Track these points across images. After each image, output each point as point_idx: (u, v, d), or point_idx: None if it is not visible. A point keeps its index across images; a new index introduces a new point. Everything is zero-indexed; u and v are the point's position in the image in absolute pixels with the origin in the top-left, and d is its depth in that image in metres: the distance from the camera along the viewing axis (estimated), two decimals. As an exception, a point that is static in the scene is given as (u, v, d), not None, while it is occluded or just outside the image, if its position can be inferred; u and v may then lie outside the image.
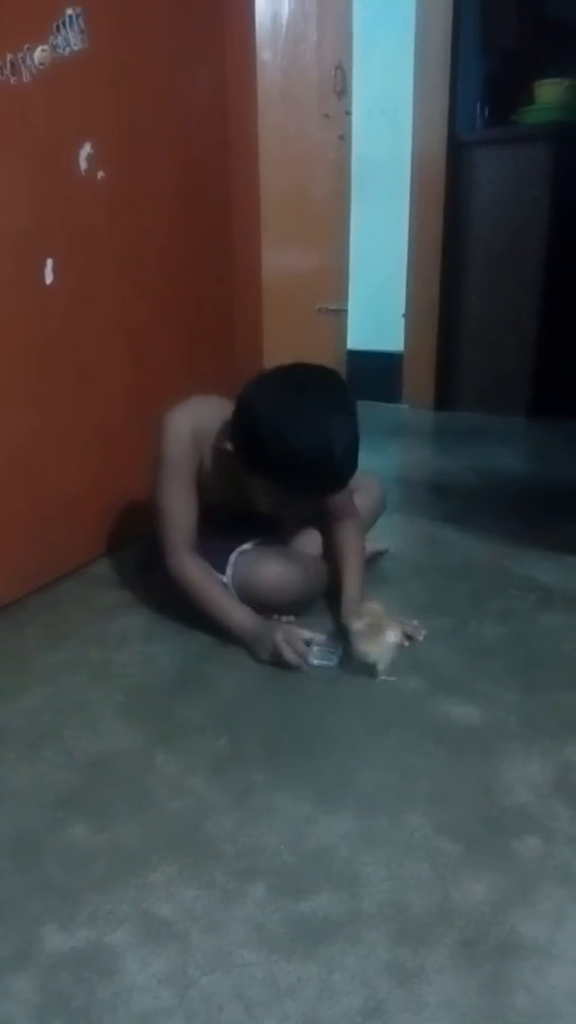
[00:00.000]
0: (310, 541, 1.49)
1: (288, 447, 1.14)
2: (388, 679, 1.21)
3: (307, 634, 1.27)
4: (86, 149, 1.51)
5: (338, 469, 1.18)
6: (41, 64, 1.38)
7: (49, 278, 1.47)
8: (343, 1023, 0.68)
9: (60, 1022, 0.69)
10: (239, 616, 1.30)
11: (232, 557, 1.34)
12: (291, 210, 3.32)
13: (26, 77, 1.35)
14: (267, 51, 3.22)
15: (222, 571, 1.34)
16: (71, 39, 1.43)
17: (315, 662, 1.25)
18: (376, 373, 3.15)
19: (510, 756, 1.04)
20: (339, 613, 1.35)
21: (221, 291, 2.06)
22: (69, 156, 1.49)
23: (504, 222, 2.93)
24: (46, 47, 1.38)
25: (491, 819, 0.93)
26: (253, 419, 1.18)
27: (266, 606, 1.33)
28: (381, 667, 1.21)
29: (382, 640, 1.20)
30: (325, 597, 1.44)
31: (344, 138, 3.22)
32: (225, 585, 1.33)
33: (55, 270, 1.47)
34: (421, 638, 1.33)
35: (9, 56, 1.32)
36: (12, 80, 1.33)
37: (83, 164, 1.51)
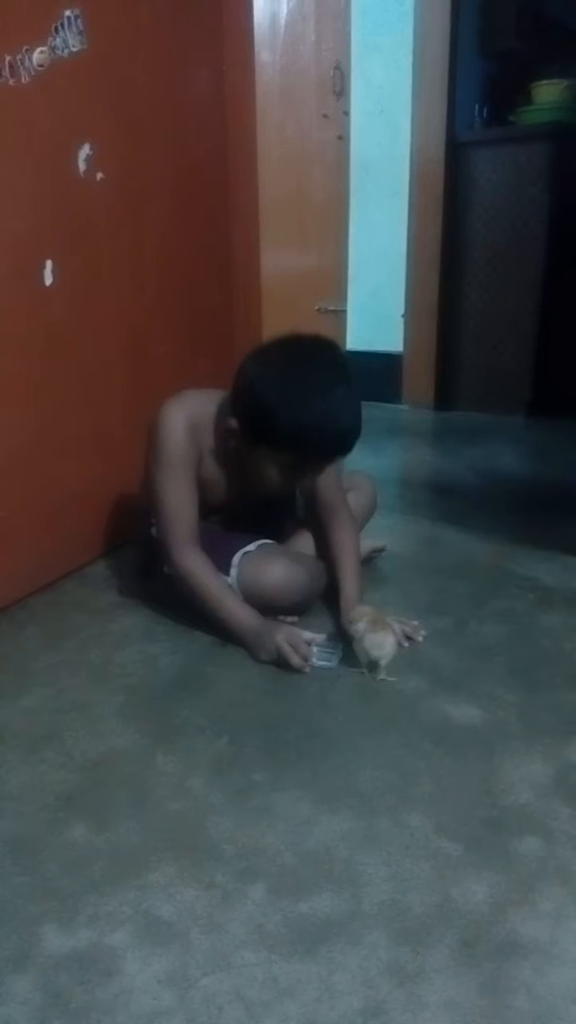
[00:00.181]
0: (308, 543, 1.49)
1: (295, 414, 1.16)
2: (388, 679, 1.21)
3: (307, 635, 1.27)
4: (85, 150, 1.51)
5: (344, 433, 1.21)
6: (40, 65, 1.38)
7: (48, 279, 1.47)
8: (343, 1023, 0.68)
9: (60, 1023, 0.69)
10: (242, 614, 1.30)
11: (235, 559, 1.34)
12: (290, 211, 3.33)
13: (25, 78, 1.35)
14: (266, 51, 3.23)
15: (226, 572, 1.34)
16: (70, 40, 1.43)
17: (315, 663, 1.25)
18: (376, 373, 3.15)
19: (510, 756, 1.04)
20: (338, 613, 1.35)
21: (220, 292, 2.06)
22: (68, 157, 1.49)
23: (503, 222, 2.93)
24: (45, 48, 1.38)
25: (491, 819, 0.93)
26: (258, 391, 1.20)
27: (270, 607, 1.33)
28: (383, 664, 1.21)
29: (383, 639, 1.20)
30: (323, 597, 1.44)
31: (343, 138, 3.22)
32: (230, 586, 1.33)
33: (54, 271, 1.47)
34: (421, 638, 1.33)
35: (8, 57, 1.32)
36: (11, 81, 1.33)
37: (82, 165, 1.51)
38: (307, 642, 1.25)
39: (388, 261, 3.17)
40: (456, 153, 2.95)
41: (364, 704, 1.17)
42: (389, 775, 1.00)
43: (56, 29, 1.40)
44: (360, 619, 1.21)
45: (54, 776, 1.01)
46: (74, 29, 1.44)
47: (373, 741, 1.08)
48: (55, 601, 1.53)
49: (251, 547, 1.36)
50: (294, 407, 1.17)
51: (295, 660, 1.22)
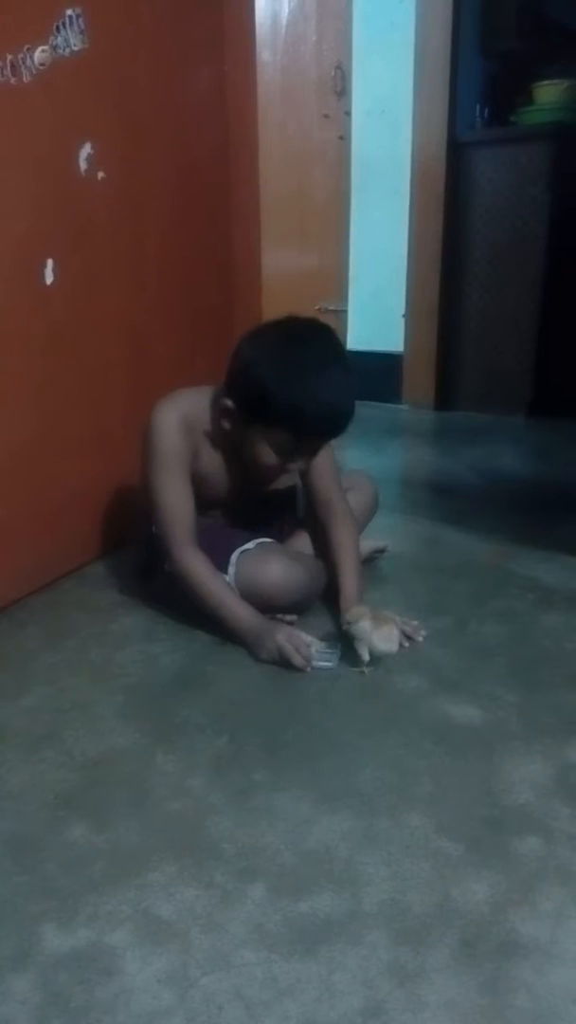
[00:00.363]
0: (308, 542, 1.49)
1: (290, 391, 1.19)
2: (371, 670, 1.22)
3: (306, 637, 1.27)
4: (86, 149, 1.51)
5: (338, 413, 1.23)
6: (41, 64, 1.38)
7: (49, 278, 1.47)
8: (343, 1023, 0.68)
9: (60, 1023, 0.69)
10: (242, 613, 1.30)
11: (234, 557, 1.34)
12: (291, 210, 3.34)
13: (26, 77, 1.35)
14: (267, 51, 3.23)
15: (224, 571, 1.34)
16: (71, 39, 1.43)
17: (315, 663, 1.25)
18: (376, 373, 3.15)
19: (511, 756, 1.04)
20: (337, 613, 1.35)
21: (221, 291, 2.06)
22: (69, 156, 1.49)
23: (504, 222, 2.93)
24: (46, 47, 1.38)
25: (492, 819, 0.93)
26: (254, 368, 1.23)
27: (269, 606, 1.33)
28: (388, 659, 1.21)
29: (390, 632, 1.21)
30: (322, 597, 1.44)
31: (344, 138, 3.22)
32: (228, 585, 1.33)
33: (55, 270, 1.47)
34: (421, 638, 1.33)
35: (9, 56, 1.32)
36: (12, 80, 1.33)
37: (83, 164, 1.51)
38: (307, 643, 1.25)
39: (389, 261, 3.17)
40: (457, 153, 2.95)
41: (364, 704, 1.17)
42: (389, 775, 1.00)
43: (57, 28, 1.40)
44: (361, 617, 1.21)
45: (54, 775, 1.01)
46: (75, 28, 1.44)
47: (373, 741, 1.08)
48: (55, 600, 1.53)
49: (250, 545, 1.36)
50: (290, 384, 1.19)
51: (297, 660, 1.22)
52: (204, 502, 1.38)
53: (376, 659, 1.22)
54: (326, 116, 3.26)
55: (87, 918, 0.79)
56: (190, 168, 1.86)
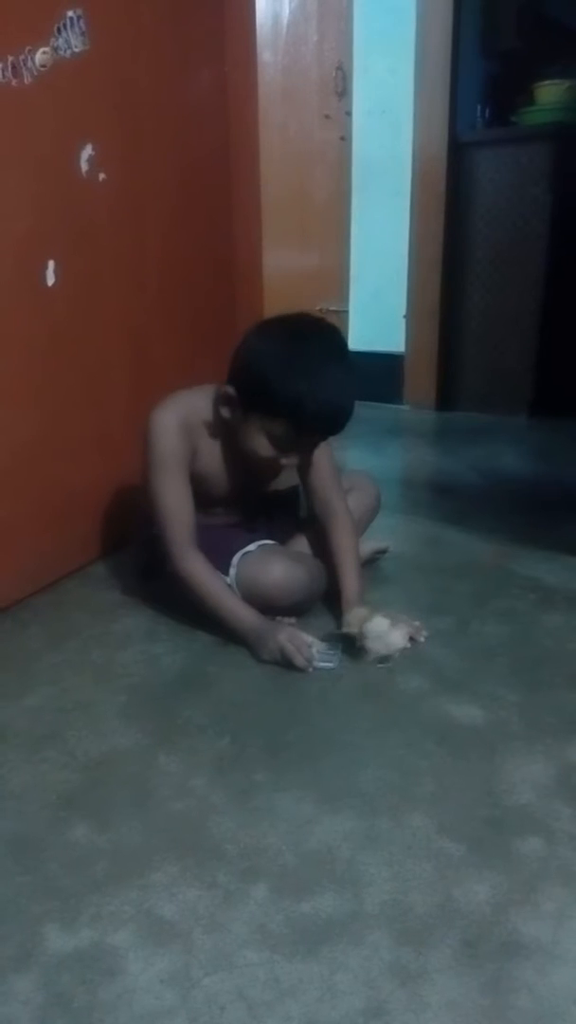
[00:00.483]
0: (307, 544, 1.49)
1: (292, 381, 1.20)
2: (389, 667, 1.23)
3: (307, 638, 1.27)
4: (87, 151, 1.51)
5: (338, 408, 1.24)
6: (42, 66, 1.38)
7: (51, 280, 1.47)
8: (345, 1023, 0.68)
9: (62, 1023, 0.69)
10: (244, 613, 1.30)
11: (235, 559, 1.34)
12: (292, 211, 3.34)
13: (27, 79, 1.36)
14: (268, 52, 3.23)
15: (225, 572, 1.34)
16: (72, 41, 1.43)
17: (316, 664, 1.25)
18: (377, 374, 3.15)
19: (512, 756, 1.04)
20: (338, 614, 1.35)
21: (222, 292, 2.06)
22: (70, 158, 1.49)
23: (505, 222, 2.93)
24: (47, 49, 1.39)
25: (493, 819, 0.93)
26: (257, 357, 1.25)
27: (270, 607, 1.33)
28: (396, 656, 1.23)
29: (395, 631, 1.22)
30: (323, 598, 1.44)
31: (345, 139, 3.22)
32: (229, 586, 1.33)
33: (56, 272, 1.47)
34: (423, 639, 1.33)
35: (10, 58, 1.32)
36: (13, 82, 1.33)
37: (84, 166, 1.51)
38: (308, 644, 1.25)
39: (390, 261, 3.17)
40: (458, 153, 2.95)
41: (366, 704, 1.17)
42: (391, 775, 1.00)
43: (58, 30, 1.41)
44: (368, 618, 1.23)
45: (56, 775, 1.01)
46: (76, 30, 1.44)
47: (375, 741, 1.08)
48: (57, 601, 1.54)
49: (251, 547, 1.36)
50: (292, 377, 1.20)
51: (299, 660, 1.22)
52: (206, 500, 1.38)
53: (386, 657, 1.22)
54: (327, 116, 3.26)
55: (89, 918, 0.80)
56: (191, 169, 1.86)
